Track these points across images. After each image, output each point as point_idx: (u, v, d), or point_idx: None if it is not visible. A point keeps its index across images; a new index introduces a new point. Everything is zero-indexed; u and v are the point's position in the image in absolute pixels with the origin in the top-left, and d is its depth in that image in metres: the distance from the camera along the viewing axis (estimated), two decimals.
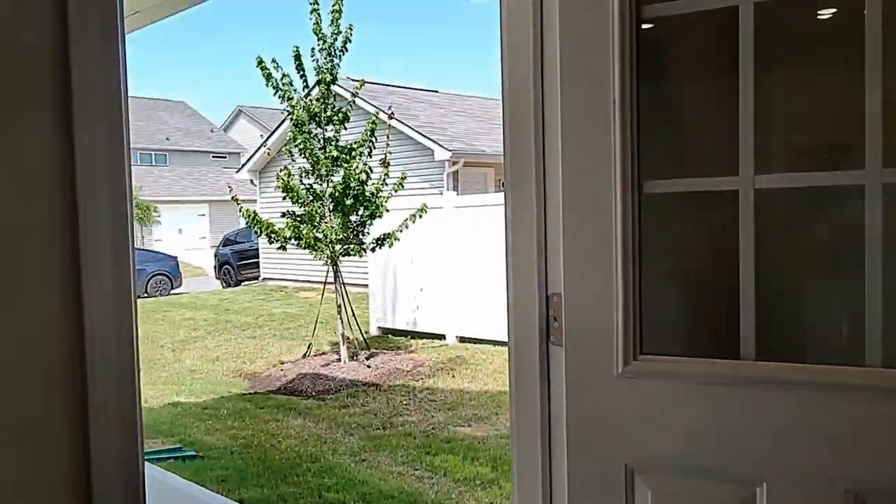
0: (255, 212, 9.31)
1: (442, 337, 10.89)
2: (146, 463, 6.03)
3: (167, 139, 43.52)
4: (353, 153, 9.49)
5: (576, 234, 1.53)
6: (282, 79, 9.46)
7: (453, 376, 8.72)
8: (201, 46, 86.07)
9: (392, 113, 11.15)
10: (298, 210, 9.51)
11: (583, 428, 1.55)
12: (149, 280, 19.87)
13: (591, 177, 1.51)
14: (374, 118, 9.69)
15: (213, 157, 43.26)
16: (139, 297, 18.63)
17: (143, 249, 23.64)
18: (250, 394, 8.71)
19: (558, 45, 1.53)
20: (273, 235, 9.26)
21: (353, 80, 12.85)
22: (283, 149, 10.44)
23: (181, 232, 33.68)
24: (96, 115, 1.71)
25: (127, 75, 1.76)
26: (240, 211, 9.30)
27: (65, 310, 1.69)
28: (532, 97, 1.62)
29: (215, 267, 21.74)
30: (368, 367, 9.27)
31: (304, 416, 7.45)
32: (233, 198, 9.30)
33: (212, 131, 46.65)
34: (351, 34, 9.54)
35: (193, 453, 5.89)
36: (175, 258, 21.35)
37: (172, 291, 20.05)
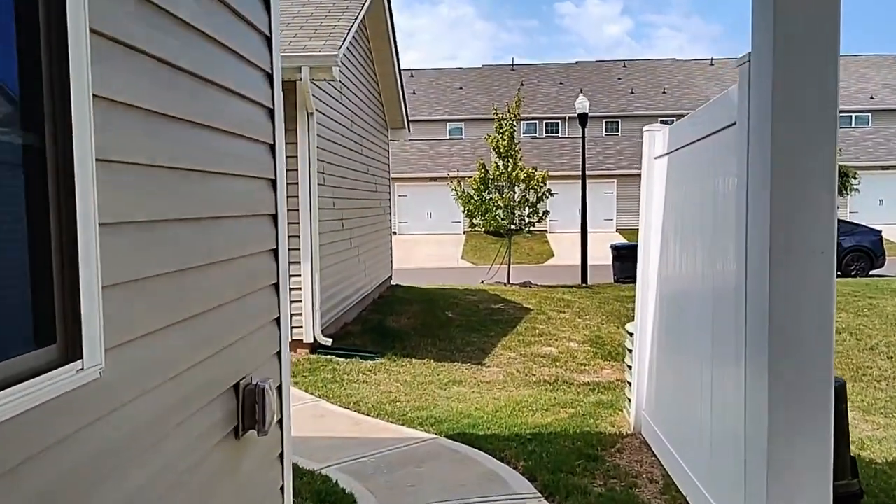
0: None
1: None
2: None
3: (871, 98, 38.52)
4: None
5: None
6: None
7: None
8: None
9: None
10: None
11: None
12: (845, 256, 16.65)
13: None
14: None
15: None
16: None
17: (840, 220, 20.30)
18: None
19: None
20: None
21: None
22: None
23: (882, 203, 28.60)
24: None
25: None
26: None
27: None
28: None
29: None
30: None
31: None
32: None
33: None
34: None
35: None
36: (879, 232, 17.63)
37: (871, 272, 16.44)
